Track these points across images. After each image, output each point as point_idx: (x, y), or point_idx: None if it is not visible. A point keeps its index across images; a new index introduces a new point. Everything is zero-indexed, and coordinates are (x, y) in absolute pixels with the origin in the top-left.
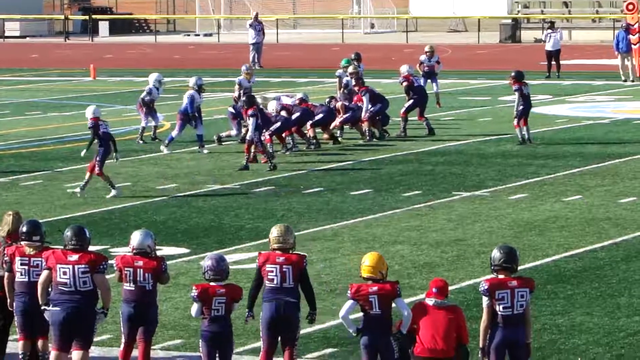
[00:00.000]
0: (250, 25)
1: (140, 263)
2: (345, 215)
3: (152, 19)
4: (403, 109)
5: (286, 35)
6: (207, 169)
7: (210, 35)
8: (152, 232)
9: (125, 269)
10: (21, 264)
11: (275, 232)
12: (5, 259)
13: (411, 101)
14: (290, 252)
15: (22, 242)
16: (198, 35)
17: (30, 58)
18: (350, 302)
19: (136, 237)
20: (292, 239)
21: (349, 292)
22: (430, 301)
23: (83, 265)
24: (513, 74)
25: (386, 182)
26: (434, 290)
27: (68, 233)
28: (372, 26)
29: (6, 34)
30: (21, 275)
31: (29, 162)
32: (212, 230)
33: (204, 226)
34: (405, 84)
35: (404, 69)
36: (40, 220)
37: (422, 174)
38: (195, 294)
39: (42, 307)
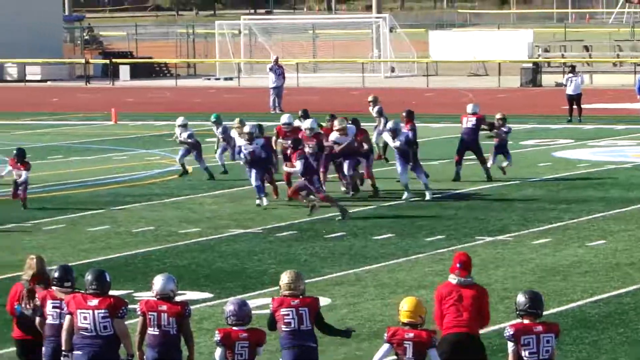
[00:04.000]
0: (271, 69)
1: (164, 307)
2: (368, 260)
3: (172, 63)
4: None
5: (306, 79)
6: (228, 213)
7: (231, 79)
8: (174, 276)
9: (149, 313)
10: (52, 307)
11: (285, 278)
12: (36, 303)
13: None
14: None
15: (54, 287)
16: (218, 79)
17: (51, 102)
18: (386, 345)
19: (159, 282)
20: (303, 285)
21: (385, 335)
22: (453, 280)
23: (103, 310)
24: None
25: (408, 226)
26: (457, 265)
27: (88, 277)
28: (393, 70)
29: (27, 77)
30: (53, 318)
31: (50, 206)
32: (235, 275)
33: (227, 271)
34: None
35: (470, 108)
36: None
37: (445, 219)
38: (218, 338)
39: (63, 354)
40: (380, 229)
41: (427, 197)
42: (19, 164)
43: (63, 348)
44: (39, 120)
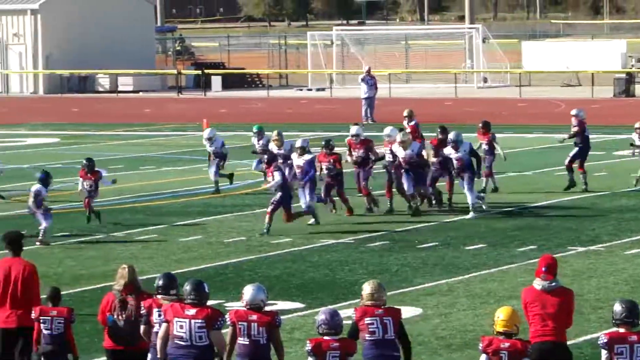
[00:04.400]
0: (362, 80)
1: (254, 317)
2: (460, 270)
3: (264, 73)
4: (567, 159)
5: (399, 90)
6: (320, 223)
7: (323, 89)
8: (264, 286)
9: (239, 323)
10: (159, 315)
11: (368, 288)
12: (142, 311)
13: (576, 149)
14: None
15: (159, 296)
16: (310, 89)
17: (144, 113)
18: (483, 356)
19: (249, 292)
20: (385, 295)
21: (480, 345)
22: (538, 285)
23: (200, 321)
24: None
25: (500, 236)
26: (543, 268)
27: (187, 287)
28: (485, 80)
29: (120, 88)
30: (159, 326)
31: (143, 216)
32: (326, 285)
33: (318, 281)
34: (576, 128)
35: (578, 112)
36: (154, 275)
37: (537, 229)
38: (310, 348)
39: None
40: (473, 239)
41: (469, 215)
42: (88, 174)
43: (158, 356)
44: (132, 130)
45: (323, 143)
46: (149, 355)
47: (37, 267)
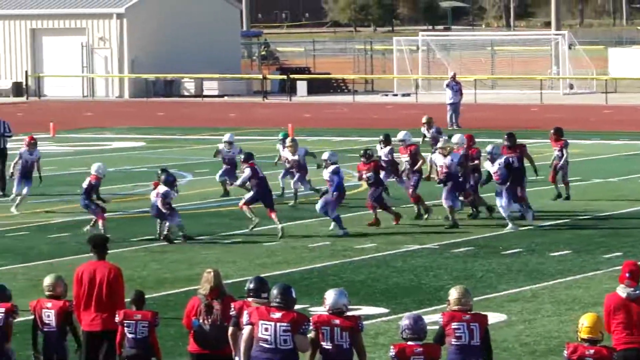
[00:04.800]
0: (447, 85)
1: (337, 322)
2: (545, 276)
3: (349, 78)
4: None
5: (484, 96)
6: (404, 229)
7: (408, 95)
8: (347, 291)
9: (322, 327)
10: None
11: (455, 293)
12: (232, 313)
13: None
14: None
15: (250, 299)
16: (396, 95)
17: (229, 117)
18: None
19: (331, 297)
20: (471, 300)
21: (565, 352)
22: (622, 292)
23: (285, 324)
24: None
25: (586, 243)
26: (627, 274)
27: (274, 291)
28: (571, 87)
29: (205, 93)
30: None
31: (227, 220)
32: (411, 290)
33: (403, 286)
34: None
35: None
36: (238, 279)
37: (623, 235)
38: (393, 353)
39: None
40: (558, 246)
41: (508, 227)
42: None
43: (242, 358)
44: (217, 135)
45: (361, 152)
46: (236, 358)
47: (122, 270)
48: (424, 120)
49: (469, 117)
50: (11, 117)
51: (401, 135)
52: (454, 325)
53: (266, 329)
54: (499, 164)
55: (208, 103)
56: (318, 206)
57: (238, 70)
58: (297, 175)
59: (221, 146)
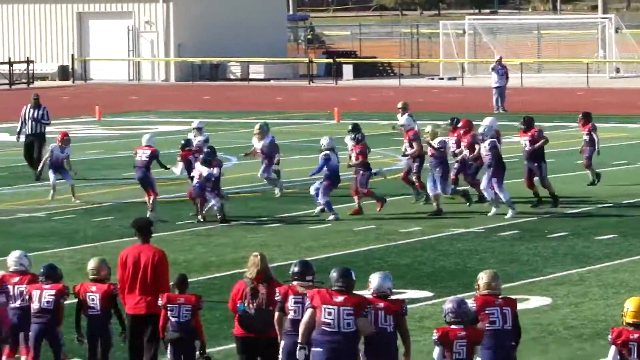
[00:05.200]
0: (493, 69)
1: (381, 305)
2: (591, 260)
3: (396, 62)
4: None
5: (530, 79)
6: (450, 212)
7: (454, 78)
8: (390, 274)
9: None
10: (295, 302)
11: (485, 277)
12: (277, 298)
13: None
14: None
15: (294, 282)
16: (442, 78)
17: (275, 101)
18: (613, 348)
19: (375, 280)
20: (501, 285)
21: (610, 336)
22: None
23: (349, 308)
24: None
25: (632, 226)
26: None
27: (334, 274)
28: (618, 70)
29: (251, 76)
30: (295, 313)
31: (273, 204)
32: (456, 274)
33: (448, 269)
34: None
35: None
36: (284, 263)
37: None
38: (437, 337)
39: (299, 346)
40: (604, 229)
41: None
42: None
43: (299, 341)
44: (263, 118)
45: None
46: (282, 342)
47: (166, 253)
48: (399, 105)
49: (515, 100)
50: (57, 100)
51: (402, 120)
52: (488, 310)
53: (329, 313)
54: (484, 147)
55: (254, 87)
56: (312, 188)
57: (284, 54)
58: (263, 165)
59: (190, 135)
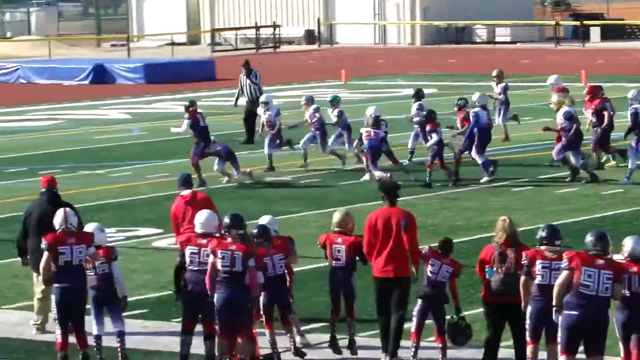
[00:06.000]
0: None
1: (635, 269)
2: None
3: None
4: None
5: None
6: None
7: None
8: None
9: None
10: (542, 268)
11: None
12: (524, 262)
13: None
14: None
15: (542, 247)
16: None
17: (521, 63)
18: None
19: (629, 244)
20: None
21: None
22: None
23: (609, 272)
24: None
25: None
26: None
27: (590, 237)
28: None
29: (497, 39)
30: (542, 278)
31: (518, 168)
32: None
33: None
34: None
35: None
36: (530, 227)
37: None
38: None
39: (555, 309)
40: None
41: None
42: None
43: (554, 304)
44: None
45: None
46: (529, 307)
47: (414, 216)
48: (494, 74)
49: None
50: (303, 64)
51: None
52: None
53: (589, 275)
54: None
55: (500, 50)
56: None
57: (530, 17)
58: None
59: (259, 110)
